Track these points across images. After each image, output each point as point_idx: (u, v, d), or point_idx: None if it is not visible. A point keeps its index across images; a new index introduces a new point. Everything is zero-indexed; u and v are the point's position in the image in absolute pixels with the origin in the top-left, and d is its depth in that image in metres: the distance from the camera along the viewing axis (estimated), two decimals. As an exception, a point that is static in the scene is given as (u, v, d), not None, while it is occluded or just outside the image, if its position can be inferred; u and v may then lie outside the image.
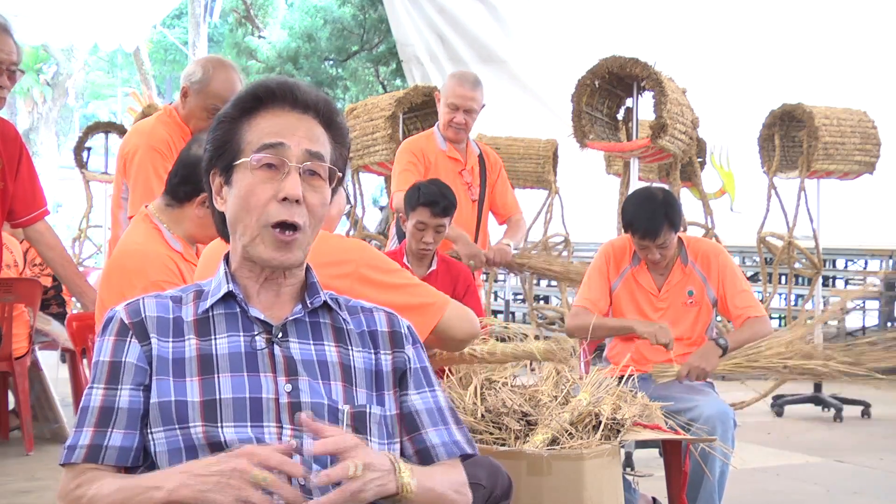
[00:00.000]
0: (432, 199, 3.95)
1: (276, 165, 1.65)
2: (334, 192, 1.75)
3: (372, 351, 1.74)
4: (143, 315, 1.67)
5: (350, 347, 1.72)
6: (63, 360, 6.37)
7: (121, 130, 9.28)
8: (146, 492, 1.51)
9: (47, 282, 5.83)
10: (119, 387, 1.63)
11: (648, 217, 3.70)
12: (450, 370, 2.85)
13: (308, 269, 1.76)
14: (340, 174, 1.71)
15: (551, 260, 5.59)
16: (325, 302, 1.74)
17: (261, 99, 1.69)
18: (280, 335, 1.68)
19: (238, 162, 1.67)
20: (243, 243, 1.68)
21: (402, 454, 1.72)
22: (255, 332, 1.67)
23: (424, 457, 1.73)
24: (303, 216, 1.65)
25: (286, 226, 1.64)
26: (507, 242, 4.82)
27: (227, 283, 1.69)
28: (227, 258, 1.75)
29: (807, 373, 3.59)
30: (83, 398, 1.65)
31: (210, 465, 1.50)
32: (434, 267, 4.04)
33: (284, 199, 1.63)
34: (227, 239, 1.77)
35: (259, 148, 1.65)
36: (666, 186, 6.41)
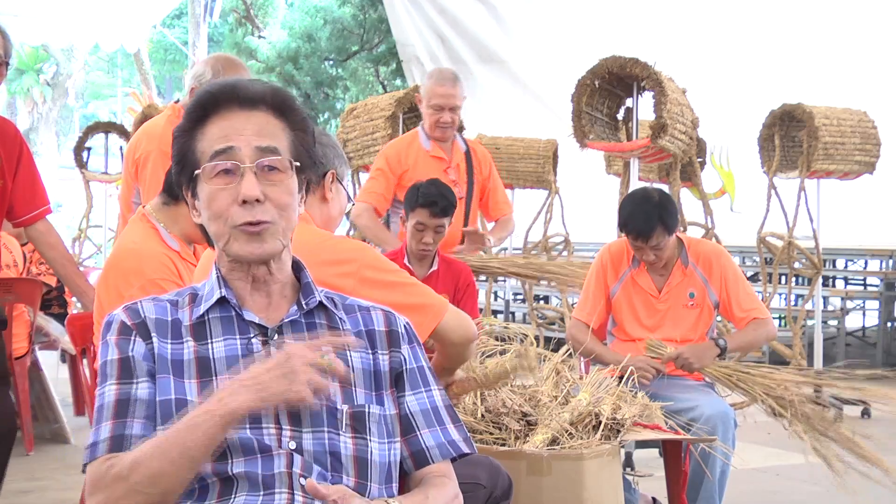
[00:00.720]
0: (431, 199, 3.93)
1: (231, 170, 1.65)
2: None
3: (369, 351, 1.74)
4: (144, 316, 1.68)
5: (347, 348, 1.72)
6: (63, 360, 6.37)
7: (121, 130, 9.26)
8: (196, 423, 1.51)
9: (52, 281, 5.82)
10: (133, 380, 1.62)
11: (643, 218, 3.69)
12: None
13: (301, 268, 1.76)
14: (298, 164, 1.69)
15: (513, 260, 5.41)
16: (320, 302, 1.73)
17: (206, 107, 1.69)
18: (276, 337, 1.68)
19: (196, 174, 1.68)
20: (221, 247, 1.69)
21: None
22: (251, 335, 1.67)
23: (419, 459, 1.73)
24: (268, 212, 1.65)
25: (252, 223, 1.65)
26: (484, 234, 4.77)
27: (220, 289, 1.69)
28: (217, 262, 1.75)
29: (778, 414, 3.61)
30: (96, 399, 1.63)
31: (259, 368, 1.53)
32: (435, 267, 4.03)
33: (244, 201, 1.63)
34: (213, 245, 1.77)
35: (211, 156, 1.65)
36: (665, 187, 6.41)
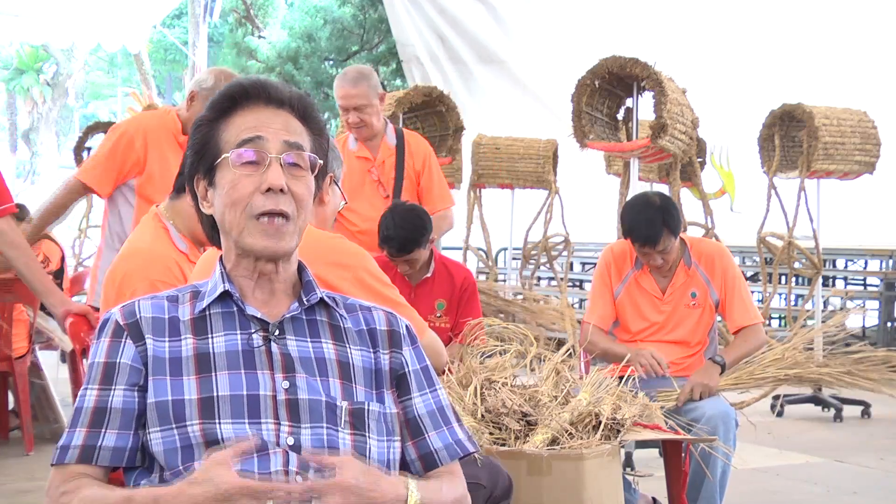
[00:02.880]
0: (385, 243, 3.84)
1: (256, 161, 1.66)
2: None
3: (371, 349, 1.74)
4: (139, 316, 1.68)
5: (347, 345, 1.72)
6: (63, 360, 6.37)
7: (121, 130, 9.23)
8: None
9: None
10: (112, 387, 1.63)
11: (647, 224, 3.68)
12: (449, 369, 2.85)
13: (303, 267, 1.77)
14: (321, 162, 1.72)
15: None
16: (322, 300, 1.74)
17: (235, 99, 1.71)
18: (277, 333, 1.68)
19: (219, 160, 1.68)
20: (234, 237, 1.68)
21: (405, 457, 1.74)
22: (253, 330, 1.68)
23: (428, 462, 1.74)
24: (289, 205, 1.66)
25: (273, 214, 1.65)
26: None
27: (223, 283, 1.70)
28: (222, 259, 1.75)
29: (806, 380, 3.57)
30: (77, 399, 1.65)
31: (194, 491, 1.48)
32: (429, 274, 4.00)
33: (268, 189, 1.64)
34: (215, 243, 1.78)
35: (238, 143, 1.67)
36: (665, 187, 6.41)
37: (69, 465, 1.60)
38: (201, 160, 1.71)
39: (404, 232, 3.83)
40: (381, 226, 3.89)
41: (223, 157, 1.67)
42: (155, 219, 2.90)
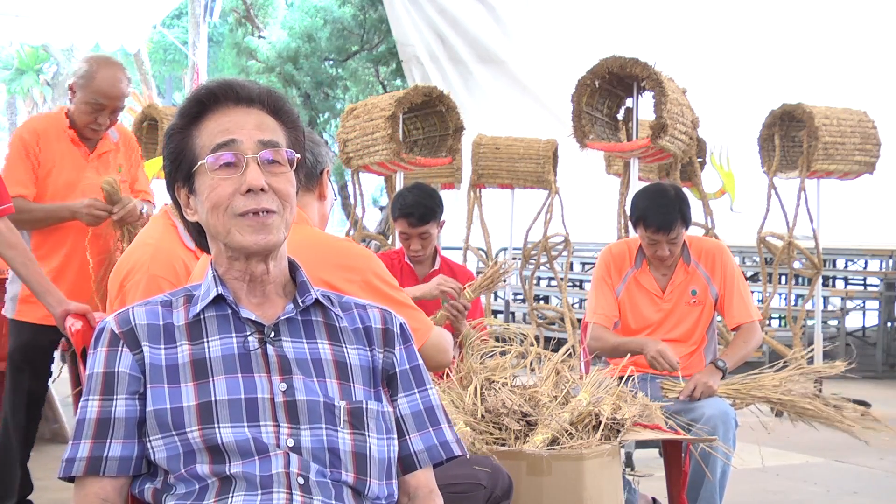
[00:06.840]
0: (408, 210, 3.95)
1: (234, 163, 1.65)
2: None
3: (367, 347, 1.74)
4: (133, 323, 1.67)
5: (344, 344, 1.72)
6: (63, 360, 6.36)
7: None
8: None
9: None
10: (114, 397, 1.63)
11: (663, 211, 3.66)
12: (449, 369, 2.86)
13: (296, 267, 1.76)
14: (298, 156, 1.71)
15: None
16: (317, 300, 1.73)
17: (204, 103, 1.70)
18: (272, 334, 1.68)
19: (196, 167, 1.67)
20: (222, 239, 1.67)
21: None
22: (248, 333, 1.67)
23: (407, 464, 1.73)
24: (273, 202, 1.65)
25: (256, 212, 1.64)
26: None
27: (217, 287, 1.69)
28: (213, 263, 1.74)
29: (799, 412, 3.65)
30: (79, 411, 1.64)
31: None
32: (437, 267, 4.05)
33: (248, 190, 1.63)
34: (204, 249, 1.77)
35: (213, 149, 1.66)
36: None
37: (87, 486, 1.61)
38: (178, 168, 1.71)
39: (424, 200, 3.98)
40: (396, 203, 4.01)
41: (200, 163, 1.66)
42: (164, 216, 2.94)
